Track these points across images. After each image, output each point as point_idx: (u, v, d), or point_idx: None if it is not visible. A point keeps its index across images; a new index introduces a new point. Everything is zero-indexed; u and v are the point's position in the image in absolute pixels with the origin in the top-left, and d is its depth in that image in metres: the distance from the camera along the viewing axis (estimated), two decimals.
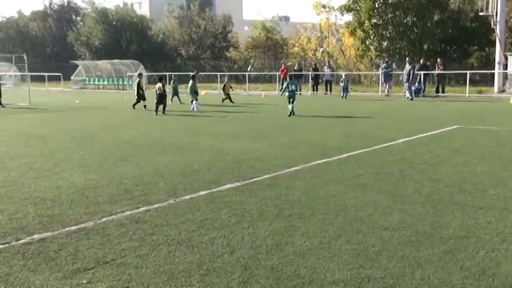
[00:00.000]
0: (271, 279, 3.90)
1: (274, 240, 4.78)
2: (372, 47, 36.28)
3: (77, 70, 49.56)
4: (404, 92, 26.56)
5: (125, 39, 58.64)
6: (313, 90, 33.18)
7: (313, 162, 8.67)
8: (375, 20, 35.73)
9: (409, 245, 4.62)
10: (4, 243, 4.70)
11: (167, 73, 41.31)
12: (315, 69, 34.48)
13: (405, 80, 26.46)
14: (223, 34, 56.53)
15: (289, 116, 16.77)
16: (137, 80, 21.50)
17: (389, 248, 4.53)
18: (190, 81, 20.68)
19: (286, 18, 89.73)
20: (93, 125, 15.28)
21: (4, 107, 22.33)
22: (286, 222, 5.33)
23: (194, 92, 20.25)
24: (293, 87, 17.38)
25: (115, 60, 47.55)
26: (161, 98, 18.52)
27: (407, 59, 27.80)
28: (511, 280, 3.86)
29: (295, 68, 35.47)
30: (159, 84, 18.69)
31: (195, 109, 19.55)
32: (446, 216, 5.48)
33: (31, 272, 4.06)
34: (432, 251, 4.46)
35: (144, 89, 21.54)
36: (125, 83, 43.89)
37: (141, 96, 20.61)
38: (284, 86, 19.79)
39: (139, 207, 5.89)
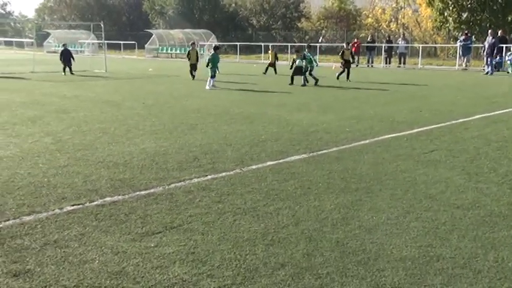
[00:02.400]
0: (336, 253, 3.85)
1: (340, 213, 4.71)
2: (450, 19, 34.52)
3: (151, 39, 50.74)
4: (484, 66, 25.20)
5: (198, 8, 59.14)
6: (386, 63, 32.27)
7: (383, 136, 8.45)
8: None
9: (482, 225, 4.41)
10: (79, 204, 4.91)
11: (238, 43, 41.54)
12: (389, 41, 33.46)
13: (488, 54, 25.04)
14: (295, 4, 55.70)
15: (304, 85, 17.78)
16: (188, 50, 21.25)
17: (460, 228, 4.35)
18: (213, 53, 18.11)
19: None
20: (164, 92, 15.61)
21: (73, 74, 22.70)
22: (353, 196, 5.23)
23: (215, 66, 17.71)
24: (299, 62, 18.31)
25: (187, 30, 48.22)
26: (297, 70, 18.36)
27: (489, 31, 26.28)
28: None
29: (368, 39, 34.57)
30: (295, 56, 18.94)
31: (207, 87, 16.80)
32: None
33: (103, 233, 4.22)
34: (508, 232, 4.24)
35: (195, 59, 20.60)
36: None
37: (192, 66, 20.41)
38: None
39: (206, 175, 5.97)
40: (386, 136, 8.45)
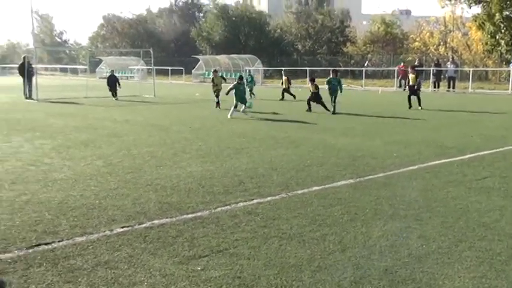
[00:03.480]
0: (385, 281, 3.76)
1: (389, 241, 4.61)
2: (502, 42, 33.75)
3: (198, 64, 51.73)
4: None
5: (243, 34, 60.07)
6: (435, 87, 31.72)
7: (432, 162, 8.26)
8: (507, 12, 33.17)
9: None
10: (128, 226, 5.01)
11: (283, 68, 41.83)
12: (437, 64, 32.94)
13: None
14: (341, 29, 55.75)
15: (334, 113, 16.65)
16: (211, 76, 19.64)
17: None
18: (242, 82, 17.00)
19: (408, 12, 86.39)
20: (210, 117, 15.81)
21: (117, 100, 23.20)
22: (402, 223, 5.12)
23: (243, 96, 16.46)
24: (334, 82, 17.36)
25: (233, 55, 48.95)
26: (317, 98, 17.40)
27: None
28: None
29: (416, 63, 34.15)
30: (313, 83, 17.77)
31: (233, 115, 15.62)
32: None
33: (151, 255, 4.28)
34: None
35: (218, 86, 19.03)
36: None
37: (217, 92, 18.89)
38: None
39: (252, 199, 5.99)
40: (436, 162, 8.26)
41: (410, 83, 18.78)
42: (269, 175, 7.29)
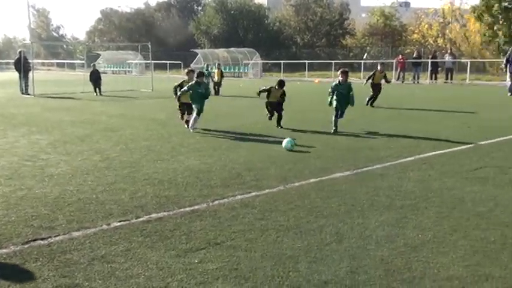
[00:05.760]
0: (381, 271, 3.78)
1: (385, 231, 4.63)
2: (500, 33, 33.76)
3: (196, 58, 51.62)
4: None
5: (242, 27, 59.94)
6: (431, 79, 31.73)
7: (428, 153, 8.29)
8: (506, 4, 33.15)
9: None
10: (125, 220, 5.02)
11: (282, 61, 41.79)
12: (433, 56, 32.93)
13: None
14: (340, 21, 55.69)
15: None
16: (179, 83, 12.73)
17: (511, 247, 4.20)
18: (203, 82, 11.89)
19: (407, 4, 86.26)
20: (209, 111, 15.73)
21: (101, 95, 22.96)
22: (398, 213, 5.14)
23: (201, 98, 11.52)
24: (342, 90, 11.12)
25: (232, 49, 48.90)
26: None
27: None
28: None
29: (414, 55, 34.19)
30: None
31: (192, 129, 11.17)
32: None
33: (148, 249, 4.29)
34: None
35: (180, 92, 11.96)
36: (241, 70, 44.96)
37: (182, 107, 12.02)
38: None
39: (250, 192, 6.00)
40: (432, 153, 8.29)
41: (376, 82, 16.57)
42: (267, 168, 7.30)
